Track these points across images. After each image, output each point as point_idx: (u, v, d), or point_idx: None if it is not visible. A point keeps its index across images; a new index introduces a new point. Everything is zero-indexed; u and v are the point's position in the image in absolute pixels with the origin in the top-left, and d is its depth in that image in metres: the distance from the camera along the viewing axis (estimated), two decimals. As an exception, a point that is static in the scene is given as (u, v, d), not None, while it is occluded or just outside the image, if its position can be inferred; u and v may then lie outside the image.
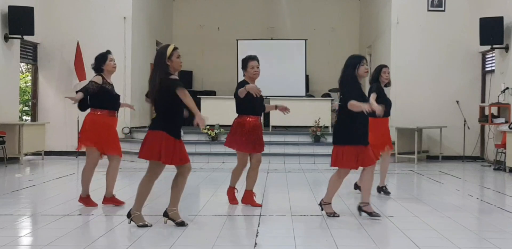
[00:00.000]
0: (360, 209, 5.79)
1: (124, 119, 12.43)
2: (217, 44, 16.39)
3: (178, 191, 5.26)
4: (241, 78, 6.91)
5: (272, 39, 15.80)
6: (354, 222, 5.55)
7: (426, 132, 12.38)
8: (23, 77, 15.84)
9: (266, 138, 6.85)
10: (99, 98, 6.34)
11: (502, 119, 10.95)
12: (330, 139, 12.11)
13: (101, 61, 6.72)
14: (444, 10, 12.38)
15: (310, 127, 12.15)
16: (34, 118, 12.75)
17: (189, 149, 12.94)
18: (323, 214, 5.89)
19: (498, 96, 11.12)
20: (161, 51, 5.22)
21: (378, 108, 5.48)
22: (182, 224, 5.20)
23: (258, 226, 5.36)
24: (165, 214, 5.25)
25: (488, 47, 11.42)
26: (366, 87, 7.83)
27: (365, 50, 15.72)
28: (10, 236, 4.86)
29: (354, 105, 5.48)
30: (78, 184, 8.57)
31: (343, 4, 17.12)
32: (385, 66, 7.21)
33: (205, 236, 4.93)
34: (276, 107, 6.54)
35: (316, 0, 16.95)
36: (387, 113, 6.84)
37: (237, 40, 15.14)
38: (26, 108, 15.64)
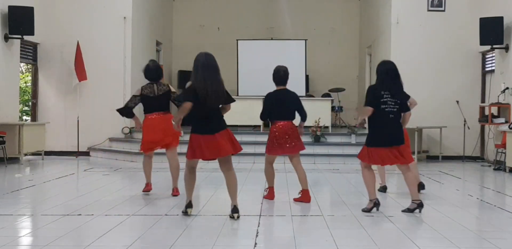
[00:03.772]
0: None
1: (124, 119, 12.42)
2: (217, 44, 16.38)
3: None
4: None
5: (272, 39, 15.78)
6: (354, 222, 5.55)
7: (426, 132, 12.37)
8: (23, 77, 15.85)
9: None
10: None
11: (502, 119, 10.95)
12: (330, 139, 12.12)
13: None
14: (444, 10, 12.38)
15: (310, 127, 12.13)
16: (34, 118, 12.75)
17: (189, 149, 12.84)
18: (323, 214, 5.90)
19: (498, 96, 11.12)
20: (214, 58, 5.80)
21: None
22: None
23: (258, 226, 5.36)
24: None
25: (488, 47, 11.42)
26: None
27: (365, 50, 15.72)
28: (10, 236, 4.86)
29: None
30: (78, 184, 8.60)
31: (343, 4, 17.11)
32: None
33: (205, 236, 4.93)
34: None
35: (316, 0, 16.95)
36: None
37: (237, 40, 15.13)
38: (26, 108, 15.65)
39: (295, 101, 6.76)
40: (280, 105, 6.70)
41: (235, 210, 5.63)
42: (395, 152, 6.01)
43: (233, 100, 5.74)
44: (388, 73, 6.01)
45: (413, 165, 6.91)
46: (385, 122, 5.96)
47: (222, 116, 5.71)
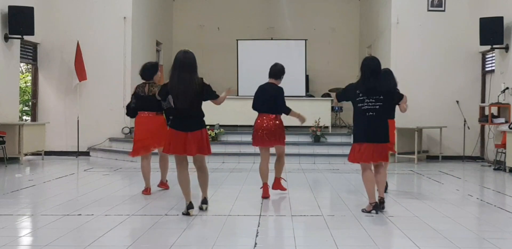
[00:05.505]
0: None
1: (124, 119, 12.44)
2: (217, 44, 16.39)
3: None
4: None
5: (272, 39, 15.79)
6: (354, 222, 5.55)
7: (426, 132, 12.37)
8: (23, 77, 15.84)
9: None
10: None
11: (502, 119, 10.95)
12: (330, 139, 12.13)
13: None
14: (444, 10, 12.38)
15: (310, 127, 12.14)
16: (34, 118, 12.75)
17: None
18: (323, 214, 5.90)
19: (498, 96, 11.12)
20: (194, 56, 5.71)
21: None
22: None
23: (258, 226, 5.36)
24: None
25: (488, 47, 11.42)
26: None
27: (365, 50, 15.72)
28: (10, 236, 4.86)
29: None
30: (78, 184, 8.60)
31: (343, 4, 17.11)
32: None
33: (205, 236, 4.93)
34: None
35: (316, 0, 16.95)
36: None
37: (237, 40, 15.13)
38: (26, 108, 15.64)
39: (277, 95, 6.79)
40: (262, 98, 6.81)
41: (204, 201, 5.95)
42: (376, 149, 5.95)
43: (215, 97, 5.81)
44: (365, 71, 6.01)
45: (386, 165, 6.99)
46: (363, 120, 6.01)
47: (201, 115, 5.76)
